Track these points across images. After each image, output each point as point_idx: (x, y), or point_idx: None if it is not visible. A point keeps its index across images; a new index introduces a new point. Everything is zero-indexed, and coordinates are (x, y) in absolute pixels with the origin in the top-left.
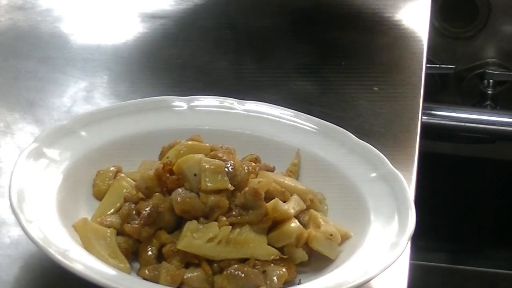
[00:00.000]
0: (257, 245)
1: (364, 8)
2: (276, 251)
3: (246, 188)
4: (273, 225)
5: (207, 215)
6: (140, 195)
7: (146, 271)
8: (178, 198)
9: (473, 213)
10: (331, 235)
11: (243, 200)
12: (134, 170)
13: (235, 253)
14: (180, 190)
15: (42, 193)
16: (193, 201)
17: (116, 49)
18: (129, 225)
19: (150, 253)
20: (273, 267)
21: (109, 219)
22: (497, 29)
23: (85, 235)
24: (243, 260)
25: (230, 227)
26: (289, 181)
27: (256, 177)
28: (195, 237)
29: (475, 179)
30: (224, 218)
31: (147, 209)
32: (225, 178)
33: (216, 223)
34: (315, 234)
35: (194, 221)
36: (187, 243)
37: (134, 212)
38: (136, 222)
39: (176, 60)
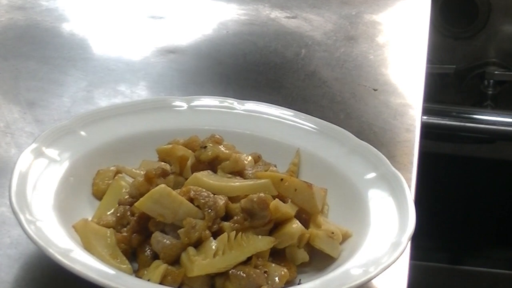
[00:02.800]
0: (258, 240)
1: (363, 8)
2: (273, 238)
3: (255, 196)
4: (274, 226)
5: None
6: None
7: (146, 272)
8: (159, 247)
9: (473, 213)
10: (333, 233)
11: (250, 207)
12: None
13: (242, 255)
14: (158, 234)
15: (42, 193)
16: (174, 246)
17: (116, 49)
18: (118, 234)
19: (147, 253)
20: (275, 267)
21: (105, 219)
22: (497, 29)
23: (85, 236)
24: (245, 261)
25: (226, 235)
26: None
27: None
28: (201, 259)
29: (475, 179)
30: (228, 224)
31: (135, 216)
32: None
33: (210, 239)
34: (317, 233)
35: (188, 249)
36: (198, 267)
37: (128, 213)
38: (125, 229)
39: (176, 60)
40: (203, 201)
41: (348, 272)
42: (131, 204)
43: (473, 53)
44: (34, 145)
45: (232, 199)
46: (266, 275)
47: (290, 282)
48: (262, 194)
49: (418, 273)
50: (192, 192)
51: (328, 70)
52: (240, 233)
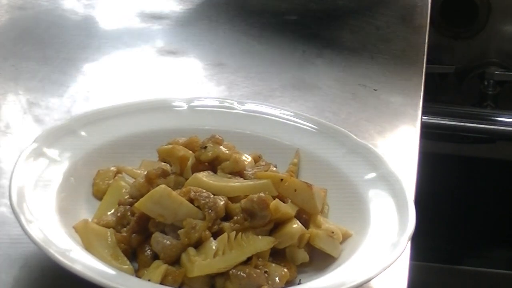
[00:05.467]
0: (258, 240)
1: (364, 8)
2: (274, 238)
3: (255, 196)
4: (274, 226)
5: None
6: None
7: (146, 272)
8: (159, 247)
9: (473, 213)
10: (333, 232)
11: (250, 207)
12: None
13: (242, 255)
14: (158, 235)
15: (42, 193)
16: (174, 246)
17: (116, 49)
18: (118, 234)
19: (147, 253)
20: (275, 267)
21: (105, 219)
22: (497, 29)
23: (86, 236)
24: (246, 261)
25: (226, 235)
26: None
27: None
28: (202, 259)
29: (475, 179)
30: (228, 224)
31: (135, 216)
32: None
33: (210, 240)
34: (317, 232)
35: (188, 249)
36: (198, 268)
37: (129, 213)
38: (125, 229)
39: (177, 60)
40: (203, 201)
41: (348, 272)
42: (131, 205)
43: (473, 53)
44: (34, 145)
45: (232, 199)
46: (266, 275)
47: (290, 282)
48: (262, 194)
49: (418, 273)
50: (192, 192)
51: (328, 70)
52: (240, 233)
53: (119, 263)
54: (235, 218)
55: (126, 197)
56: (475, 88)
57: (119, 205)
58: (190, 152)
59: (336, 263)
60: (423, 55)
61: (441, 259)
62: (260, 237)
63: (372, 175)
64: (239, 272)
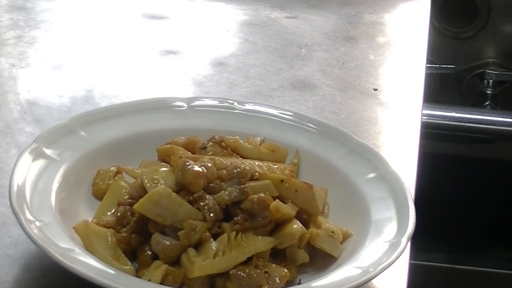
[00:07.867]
0: (258, 241)
1: (363, 8)
2: (273, 238)
3: (255, 196)
4: (274, 226)
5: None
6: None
7: (146, 272)
8: (159, 248)
9: (473, 213)
10: (333, 232)
11: (250, 207)
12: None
13: (242, 255)
14: (158, 235)
15: (42, 193)
16: (174, 247)
17: (116, 49)
18: (118, 234)
19: (147, 253)
20: (275, 267)
21: (105, 219)
22: (497, 29)
23: (86, 237)
24: (246, 261)
25: (226, 236)
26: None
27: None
28: (202, 260)
29: (475, 179)
30: (228, 225)
31: (135, 217)
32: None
33: (210, 240)
34: (318, 232)
35: (188, 250)
36: (199, 268)
37: (129, 213)
38: (125, 229)
39: (177, 60)
40: (202, 203)
41: (348, 272)
42: (131, 205)
43: (473, 53)
44: (34, 145)
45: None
46: (266, 275)
47: (290, 282)
48: (262, 195)
49: (418, 273)
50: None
51: (328, 70)
52: (240, 233)
53: (120, 263)
54: (235, 218)
55: (125, 197)
56: (475, 88)
57: (118, 205)
58: (189, 152)
59: (336, 263)
60: (423, 55)
61: (441, 259)
62: (260, 237)
63: (372, 175)
64: (239, 272)
